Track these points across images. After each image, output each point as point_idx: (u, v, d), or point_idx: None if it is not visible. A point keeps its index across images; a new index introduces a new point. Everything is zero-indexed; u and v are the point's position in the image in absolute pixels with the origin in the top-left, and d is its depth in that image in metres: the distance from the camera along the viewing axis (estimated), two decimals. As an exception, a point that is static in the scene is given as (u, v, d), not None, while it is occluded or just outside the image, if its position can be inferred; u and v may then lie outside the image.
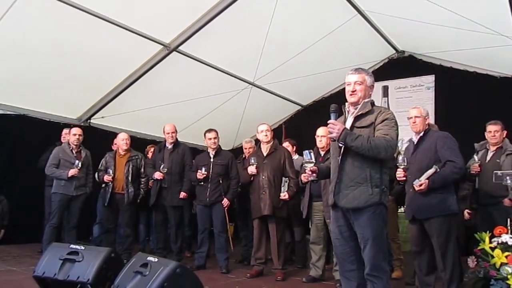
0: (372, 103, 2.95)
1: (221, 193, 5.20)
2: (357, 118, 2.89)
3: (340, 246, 2.92)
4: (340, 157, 2.86)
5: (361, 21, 6.56)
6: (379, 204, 2.78)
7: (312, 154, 3.05)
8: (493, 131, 4.35)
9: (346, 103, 3.00)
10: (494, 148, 4.36)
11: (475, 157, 4.39)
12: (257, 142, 5.45)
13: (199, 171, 5.17)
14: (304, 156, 3.06)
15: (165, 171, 5.40)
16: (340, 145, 2.82)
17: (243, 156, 6.01)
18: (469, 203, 4.53)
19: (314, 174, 3.03)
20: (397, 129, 2.86)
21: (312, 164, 3.02)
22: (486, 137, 4.43)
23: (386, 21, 6.66)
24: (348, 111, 3.00)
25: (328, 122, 2.81)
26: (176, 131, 5.63)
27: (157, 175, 5.42)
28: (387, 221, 2.92)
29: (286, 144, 5.86)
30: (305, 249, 5.57)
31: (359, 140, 2.73)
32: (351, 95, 2.93)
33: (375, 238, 2.75)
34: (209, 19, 5.77)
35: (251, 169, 4.94)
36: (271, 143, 5.08)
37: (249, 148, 5.92)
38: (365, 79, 2.93)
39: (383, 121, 2.82)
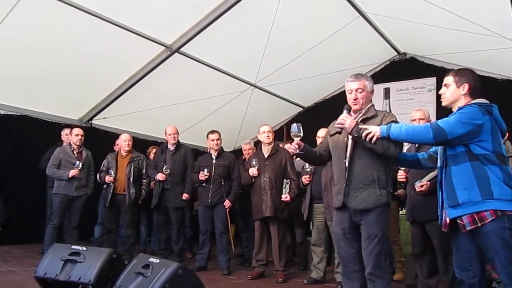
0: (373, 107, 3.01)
1: (222, 194, 5.20)
2: (361, 122, 2.90)
3: (344, 247, 2.94)
4: (348, 159, 2.88)
5: (363, 23, 6.54)
6: (386, 205, 2.85)
7: (301, 127, 2.97)
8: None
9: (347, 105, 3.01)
10: (496, 150, 4.34)
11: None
12: (257, 143, 5.44)
13: (201, 172, 5.18)
14: (292, 128, 2.98)
15: (167, 173, 5.42)
16: (353, 136, 2.78)
17: (243, 157, 6.02)
18: None
19: (300, 148, 2.97)
20: None
21: (299, 138, 2.97)
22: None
23: (388, 23, 6.66)
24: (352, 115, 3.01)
25: (340, 116, 2.83)
26: (178, 132, 5.64)
27: (159, 176, 5.44)
28: (388, 223, 2.96)
29: (288, 146, 5.84)
30: (306, 251, 5.57)
31: None
32: (353, 103, 2.95)
33: (381, 238, 2.80)
34: (211, 21, 5.78)
35: (253, 171, 4.94)
36: (272, 144, 5.09)
37: (249, 149, 5.94)
38: (366, 85, 2.96)
39: (388, 124, 2.83)
